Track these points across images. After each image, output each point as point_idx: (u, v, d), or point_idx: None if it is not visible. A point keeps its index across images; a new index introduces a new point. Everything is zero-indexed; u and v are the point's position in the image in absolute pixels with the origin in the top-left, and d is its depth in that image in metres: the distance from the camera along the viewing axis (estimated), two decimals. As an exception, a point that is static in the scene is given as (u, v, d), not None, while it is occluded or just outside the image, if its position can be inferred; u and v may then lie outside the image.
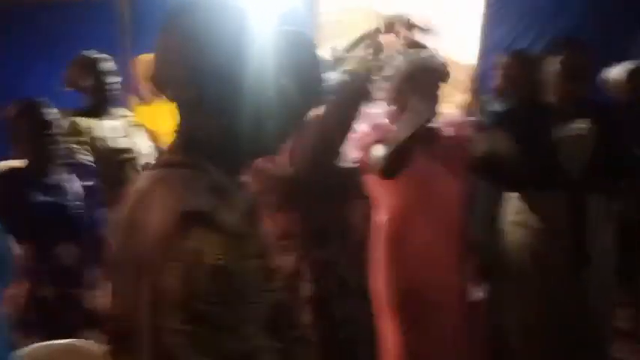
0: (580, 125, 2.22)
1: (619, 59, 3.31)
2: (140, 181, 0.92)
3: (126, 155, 2.86)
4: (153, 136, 3.13)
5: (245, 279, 0.80)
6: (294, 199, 1.69)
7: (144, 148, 2.95)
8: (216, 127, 0.89)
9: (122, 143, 2.88)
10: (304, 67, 1.51)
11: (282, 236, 1.68)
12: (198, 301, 0.75)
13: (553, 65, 2.24)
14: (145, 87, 3.39)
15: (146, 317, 0.79)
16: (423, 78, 1.97)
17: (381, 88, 2.06)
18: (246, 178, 1.03)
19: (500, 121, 2.60)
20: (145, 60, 3.32)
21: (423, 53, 2.02)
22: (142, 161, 2.87)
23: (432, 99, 1.98)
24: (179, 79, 0.86)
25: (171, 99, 0.91)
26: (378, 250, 2.07)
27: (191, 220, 0.77)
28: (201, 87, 0.85)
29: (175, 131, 0.93)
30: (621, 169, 2.30)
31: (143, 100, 3.45)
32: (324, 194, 1.72)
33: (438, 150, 2.05)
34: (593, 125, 2.22)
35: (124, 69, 3.25)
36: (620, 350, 2.76)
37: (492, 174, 2.36)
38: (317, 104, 1.65)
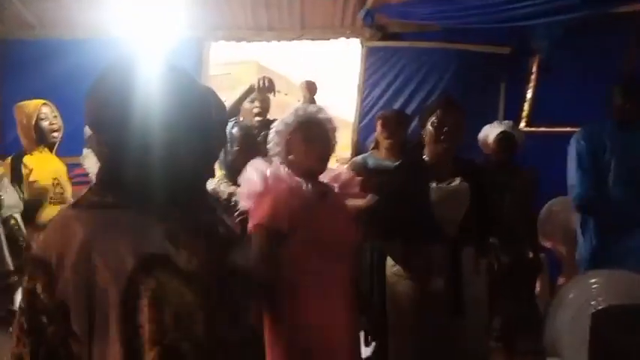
0: (454, 183, 2.35)
1: (483, 119, 3.61)
2: (76, 222, 0.94)
3: None
4: (32, 185, 2.99)
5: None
6: None
7: (8, 200, 2.74)
8: (133, 173, 0.98)
9: None
10: (211, 119, 1.49)
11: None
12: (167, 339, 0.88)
13: (428, 124, 2.36)
14: (24, 135, 3.16)
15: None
16: (311, 129, 2.03)
17: (272, 139, 2.08)
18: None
19: (380, 177, 2.70)
20: (23, 108, 3.14)
21: (311, 107, 2.09)
22: (4, 214, 2.65)
23: (320, 150, 2.03)
24: (101, 128, 1.01)
25: (98, 144, 1.04)
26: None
27: (152, 262, 0.89)
28: (117, 135, 0.97)
29: (98, 175, 1.03)
30: (490, 226, 2.45)
31: (23, 149, 3.18)
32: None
33: (329, 206, 2.06)
34: (466, 183, 2.36)
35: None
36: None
37: (375, 228, 2.42)
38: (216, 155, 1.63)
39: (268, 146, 2.10)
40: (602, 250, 2.76)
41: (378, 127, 3.38)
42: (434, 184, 2.31)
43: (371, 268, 2.86)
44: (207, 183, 1.91)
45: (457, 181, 2.34)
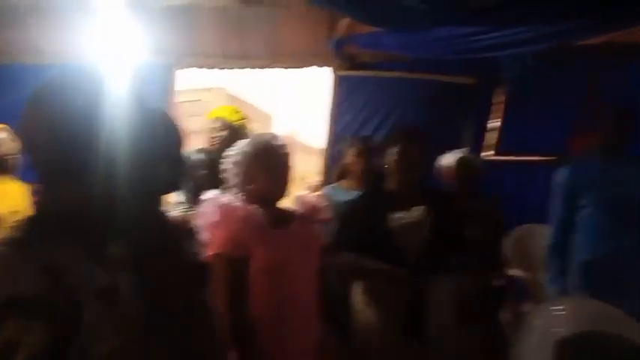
0: (417, 211, 2.36)
1: (448, 148, 3.64)
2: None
3: None
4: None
5: None
6: None
7: None
8: (71, 199, 0.90)
9: None
10: (167, 145, 1.47)
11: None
12: None
13: (390, 155, 2.38)
14: None
15: None
16: (266, 156, 2.04)
17: (229, 169, 2.09)
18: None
19: (345, 205, 2.69)
20: None
21: (265, 135, 2.11)
22: None
23: (277, 176, 2.03)
24: (37, 149, 0.91)
25: (34, 167, 0.94)
26: None
27: (9, 308, 0.72)
28: (57, 156, 0.89)
29: (35, 204, 0.94)
30: (454, 252, 2.45)
31: None
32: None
33: (292, 232, 2.05)
34: (429, 211, 2.36)
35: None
36: None
37: (340, 257, 2.40)
38: (179, 181, 1.60)
39: (225, 176, 2.10)
40: None
41: (352, 156, 3.37)
42: (397, 213, 2.31)
43: (337, 297, 2.83)
44: (168, 209, 1.87)
45: (419, 209, 2.34)
